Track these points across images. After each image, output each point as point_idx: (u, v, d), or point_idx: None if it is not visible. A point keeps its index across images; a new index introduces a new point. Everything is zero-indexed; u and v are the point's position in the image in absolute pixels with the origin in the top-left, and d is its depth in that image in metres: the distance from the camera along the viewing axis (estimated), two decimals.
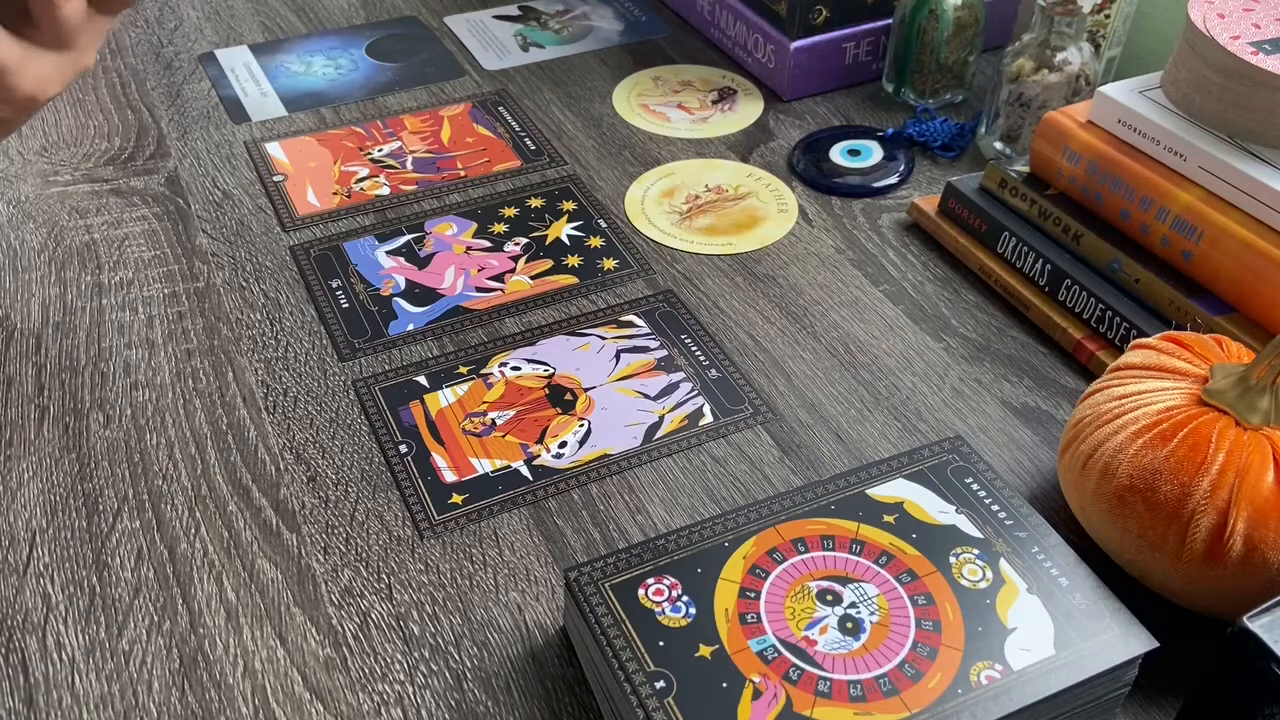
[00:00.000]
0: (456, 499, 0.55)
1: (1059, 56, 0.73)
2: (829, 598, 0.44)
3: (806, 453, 0.58)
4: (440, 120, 0.84)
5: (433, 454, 0.57)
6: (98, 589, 0.50)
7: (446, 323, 0.66)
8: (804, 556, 0.46)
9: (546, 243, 0.72)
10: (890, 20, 0.85)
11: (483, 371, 0.62)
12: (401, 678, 0.47)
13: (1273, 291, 0.56)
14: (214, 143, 0.81)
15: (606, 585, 0.45)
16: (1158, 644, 0.43)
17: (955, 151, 0.79)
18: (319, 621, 0.49)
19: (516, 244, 0.72)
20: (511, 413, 0.60)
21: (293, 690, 0.47)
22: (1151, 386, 0.48)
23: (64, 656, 0.48)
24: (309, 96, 0.86)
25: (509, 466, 0.57)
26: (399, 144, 0.81)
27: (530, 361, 0.63)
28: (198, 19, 0.97)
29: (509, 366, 0.62)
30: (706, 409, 0.60)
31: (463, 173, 0.78)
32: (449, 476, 0.56)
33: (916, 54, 0.82)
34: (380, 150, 0.80)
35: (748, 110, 0.85)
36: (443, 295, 0.68)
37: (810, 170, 0.78)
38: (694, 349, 0.64)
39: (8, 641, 0.48)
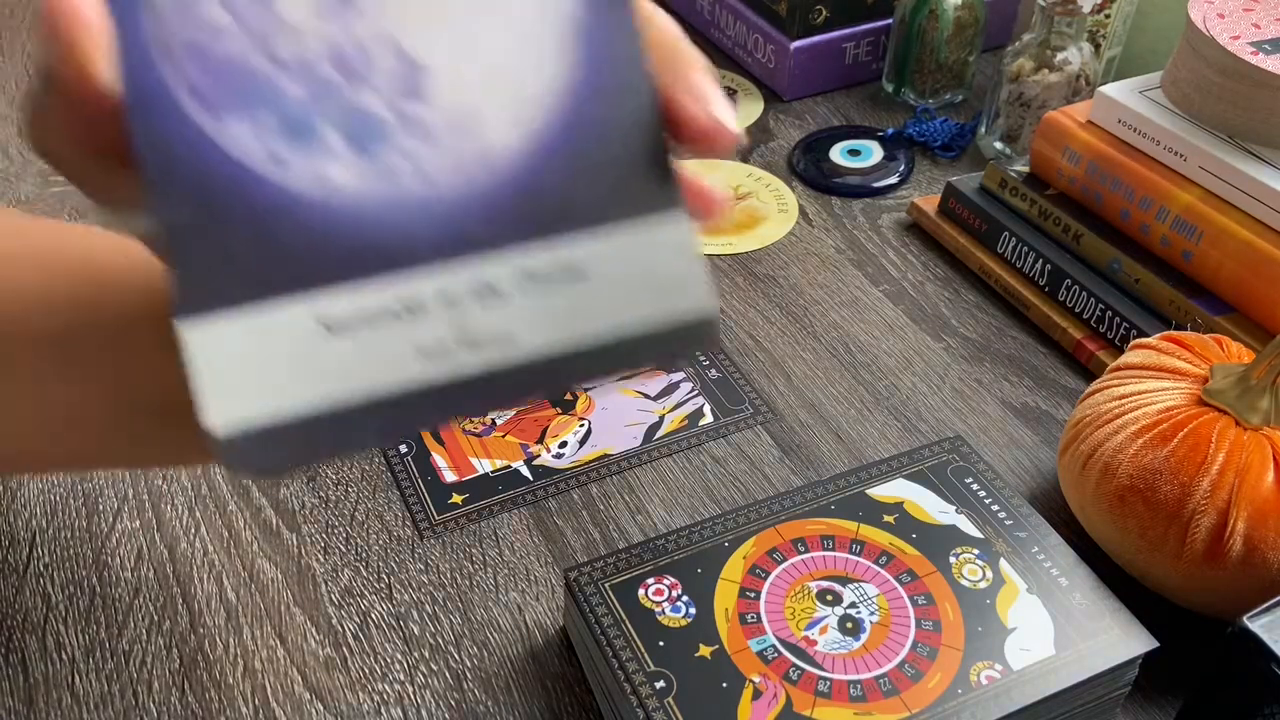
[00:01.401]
0: (456, 499, 0.55)
1: (1059, 56, 0.73)
2: (829, 598, 0.44)
3: (806, 453, 0.58)
4: None
5: (433, 454, 0.57)
6: (98, 589, 0.50)
7: None
8: (804, 556, 0.46)
9: None
10: (890, 20, 0.85)
11: None
12: (401, 677, 0.47)
13: (1273, 291, 0.56)
14: None
15: (606, 585, 0.45)
16: (1158, 644, 0.43)
17: (955, 151, 0.79)
18: (319, 621, 0.49)
19: None
20: (511, 412, 0.60)
21: (292, 690, 0.47)
22: (1151, 386, 0.48)
23: (64, 656, 0.48)
24: None
25: (509, 466, 0.57)
26: None
27: None
28: None
29: None
30: (706, 409, 0.60)
31: None
32: (449, 476, 0.56)
33: (916, 54, 0.82)
34: None
35: (748, 110, 0.85)
36: None
37: (810, 170, 0.78)
38: None
39: (7, 641, 0.48)
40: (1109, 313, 0.61)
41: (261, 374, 0.23)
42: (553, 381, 0.24)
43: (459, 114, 0.24)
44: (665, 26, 0.26)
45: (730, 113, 0.26)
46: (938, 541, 0.46)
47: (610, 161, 0.25)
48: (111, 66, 0.22)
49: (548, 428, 0.59)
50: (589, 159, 0.25)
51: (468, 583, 0.51)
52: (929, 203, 0.73)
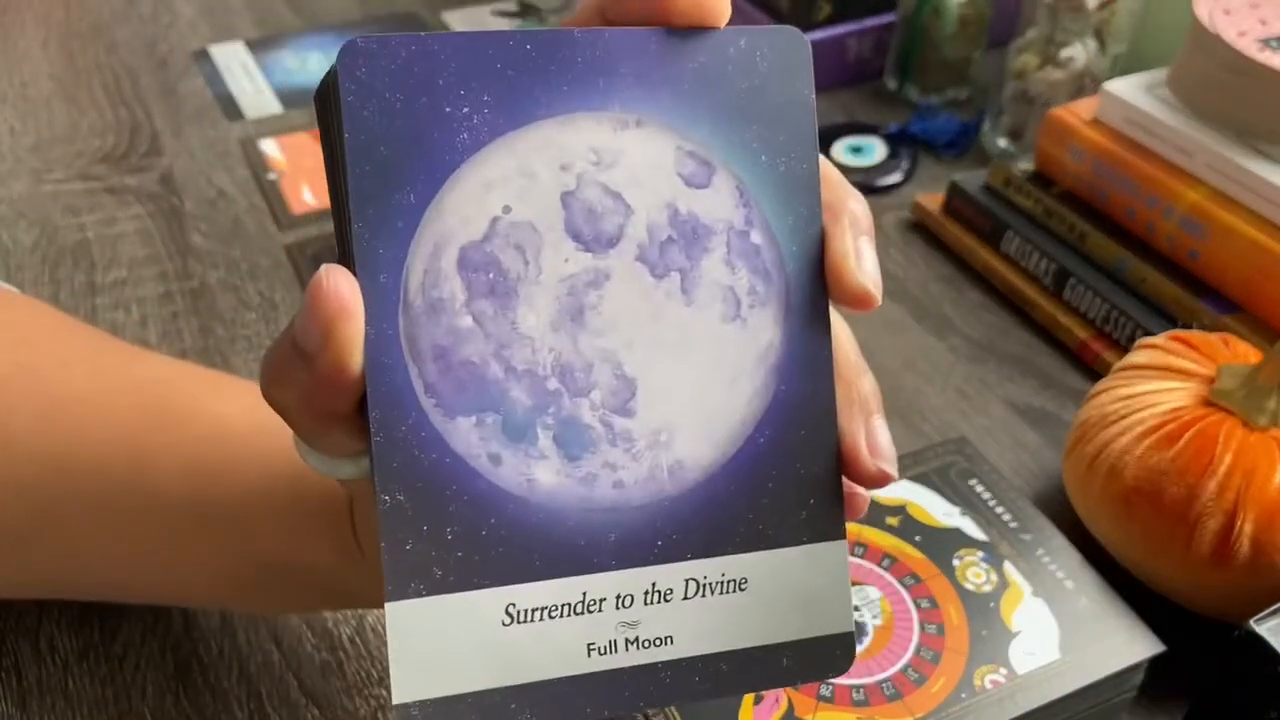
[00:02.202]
0: None
1: (1064, 53, 0.72)
2: None
3: None
4: None
5: None
6: None
7: None
8: None
9: None
10: (893, 16, 0.84)
11: None
12: None
13: None
14: (208, 140, 0.80)
15: None
16: (1164, 647, 0.42)
17: (959, 149, 0.79)
18: (315, 625, 0.49)
19: None
20: None
21: (288, 694, 0.46)
22: (1158, 387, 0.48)
23: (57, 660, 0.47)
24: (305, 93, 0.86)
25: None
26: None
27: None
28: (192, 15, 0.96)
29: None
30: None
31: None
32: None
33: (920, 50, 0.82)
34: None
35: None
36: None
37: None
38: None
39: (0, 644, 0.48)
40: (1114, 312, 0.61)
41: (447, 654, 0.24)
42: (700, 688, 0.26)
43: (659, 429, 0.26)
44: (845, 348, 0.28)
45: (894, 460, 0.27)
46: (941, 544, 0.46)
47: (789, 487, 0.26)
48: (361, 355, 0.24)
49: None
50: (770, 482, 0.26)
51: None
52: (932, 201, 0.72)
